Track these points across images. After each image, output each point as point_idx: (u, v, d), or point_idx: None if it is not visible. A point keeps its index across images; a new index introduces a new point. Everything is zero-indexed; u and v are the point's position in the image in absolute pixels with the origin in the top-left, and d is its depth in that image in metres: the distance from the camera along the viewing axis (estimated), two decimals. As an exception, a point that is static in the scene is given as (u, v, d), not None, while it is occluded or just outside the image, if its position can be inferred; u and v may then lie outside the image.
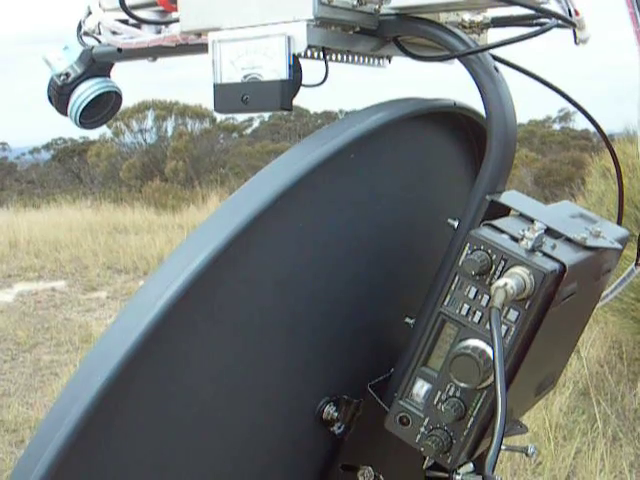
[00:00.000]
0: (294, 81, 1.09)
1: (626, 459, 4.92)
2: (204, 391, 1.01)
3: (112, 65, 1.47)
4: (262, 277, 1.03)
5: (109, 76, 1.48)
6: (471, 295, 1.03)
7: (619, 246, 1.18)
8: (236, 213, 0.95)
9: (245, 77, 1.11)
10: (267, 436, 1.13)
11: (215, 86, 1.13)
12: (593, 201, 6.56)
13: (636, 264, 1.34)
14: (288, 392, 1.14)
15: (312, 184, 1.04)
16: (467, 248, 1.02)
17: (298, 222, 1.05)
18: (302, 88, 1.13)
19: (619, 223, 1.37)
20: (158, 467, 0.99)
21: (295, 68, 1.09)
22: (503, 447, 1.36)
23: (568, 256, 1.03)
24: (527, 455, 1.30)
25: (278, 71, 1.08)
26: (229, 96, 1.13)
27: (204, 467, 1.05)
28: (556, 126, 33.72)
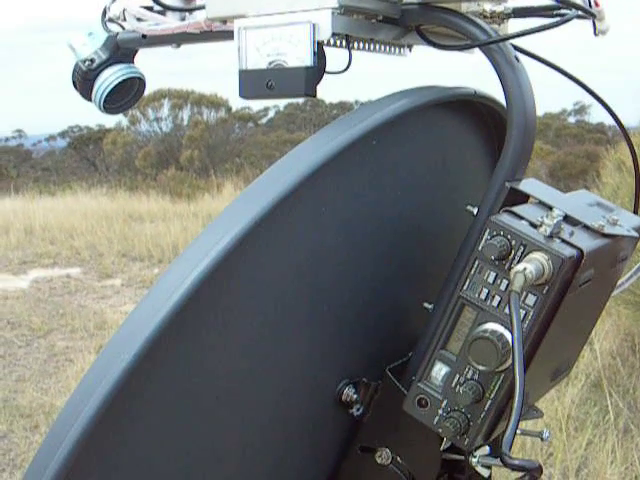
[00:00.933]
0: (318, 68, 1.11)
1: (637, 451, 4.92)
2: (226, 372, 1.03)
3: (136, 51, 1.49)
4: (283, 261, 1.05)
5: (133, 62, 1.50)
6: (490, 280, 1.04)
7: (636, 234, 1.20)
8: (259, 198, 0.97)
9: (270, 64, 1.13)
10: (287, 417, 1.15)
11: (240, 72, 1.15)
12: (608, 193, 6.54)
13: (652, 253, 1.35)
14: (308, 374, 1.16)
15: (335, 170, 1.06)
16: (487, 233, 1.04)
17: (320, 207, 1.07)
18: (325, 75, 1.14)
19: (635, 212, 1.39)
20: (179, 450, 1.01)
21: (319, 55, 1.11)
22: (518, 431, 1.37)
23: (586, 243, 1.05)
24: (542, 439, 1.32)
25: (302, 58, 1.10)
26: (254, 82, 1.14)
27: (225, 448, 1.07)
28: (571, 119, 33.63)
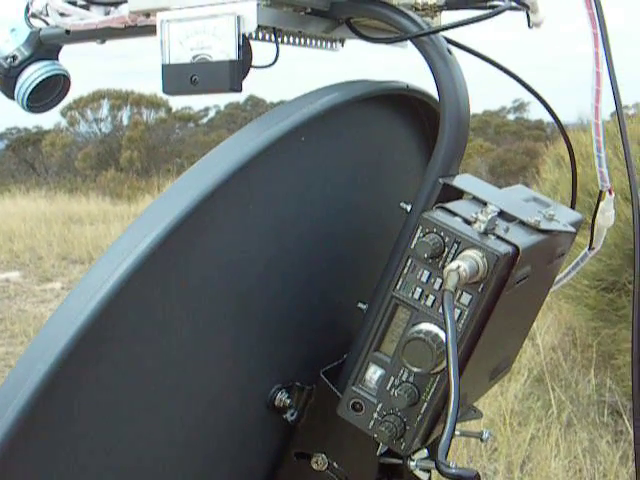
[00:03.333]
0: (244, 62, 1.07)
1: (580, 444, 4.96)
2: (148, 382, 0.98)
3: (60, 48, 1.44)
4: (208, 261, 1.01)
5: (57, 59, 1.45)
6: (424, 279, 1.01)
7: (572, 229, 1.18)
8: (181, 196, 0.93)
9: (194, 58, 1.09)
10: (217, 423, 1.11)
11: (163, 67, 1.11)
12: (547, 189, 6.60)
13: (589, 248, 1.34)
14: (238, 378, 1.12)
15: (262, 166, 1.02)
16: (419, 231, 1.01)
17: (248, 204, 1.03)
18: (253, 70, 1.11)
19: (572, 207, 1.37)
20: (104, 450, 0.97)
21: (245, 49, 1.07)
22: (457, 432, 1.35)
23: (521, 239, 1.02)
24: (482, 440, 1.30)
25: (227, 52, 1.06)
26: (178, 77, 1.10)
27: (150, 453, 1.03)
28: (510, 116, 34.09)
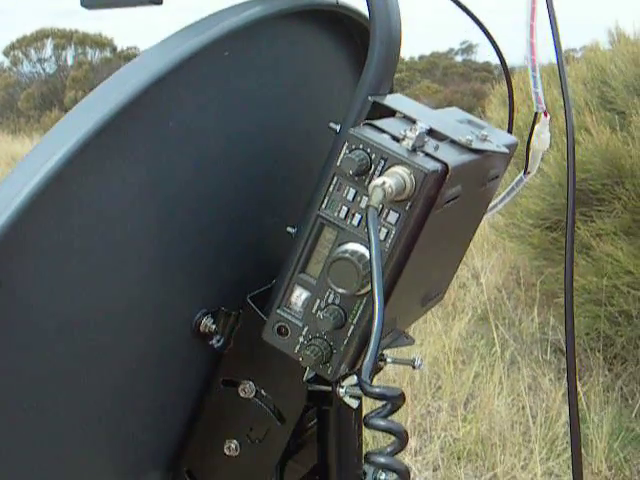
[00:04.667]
0: (164, -29, 1.02)
1: (523, 382, 5.03)
2: (66, 301, 0.94)
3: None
4: (125, 181, 0.96)
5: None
6: (350, 197, 0.98)
7: (506, 150, 1.15)
8: (95, 109, 0.88)
9: (111, -33, 1.03)
10: (140, 350, 1.07)
11: None
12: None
13: (525, 173, 1.31)
14: (160, 302, 1.08)
15: (181, 81, 0.97)
16: (345, 147, 0.97)
17: (167, 121, 0.99)
18: None
19: (509, 132, 1.34)
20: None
21: (164, -43, 1.02)
22: (389, 360, 1.33)
23: (451, 157, 0.99)
24: (414, 367, 1.28)
25: (146, -40, 1.01)
26: None
27: (70, 389, 0.99)
28: (458, 58, 34.10)
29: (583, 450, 4.30)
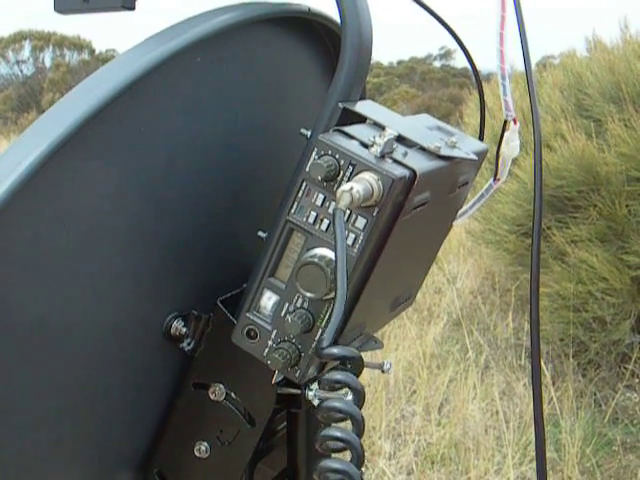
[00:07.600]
0: (136, -23, 1.03)
1: (497, 387, 5.06)
2: (35, 301, 0.94)
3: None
4: (98, 185, 0.97)
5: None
6: (318, 202, 0.99)
7: (475, 157, 1.16)
8: (66, 114, 0.89)
9: (84, -27, 1.04)
10: (110, 351, 1.08)
11: None
12: (469, 133, 6.63)
13: (494, 179, 1.33)
14: (130, 305, 1.08)
15: (152, 86, 0.98)
16: (314, 153, 0.98)
17: (138, 126, 1.00)
18: None
19: (481, 139, 1.36)
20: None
21: (137, -37, 1.03)
22: (359, 364, 1.34)
23: (420, 164, 1.00)
24: (383, 371, 1.29)
25: (118, -34, 1.02)
26: None
27: (37, 388, 1.00)
28: (437, 63, 34.23)
29: (556, 455, 4.32)
